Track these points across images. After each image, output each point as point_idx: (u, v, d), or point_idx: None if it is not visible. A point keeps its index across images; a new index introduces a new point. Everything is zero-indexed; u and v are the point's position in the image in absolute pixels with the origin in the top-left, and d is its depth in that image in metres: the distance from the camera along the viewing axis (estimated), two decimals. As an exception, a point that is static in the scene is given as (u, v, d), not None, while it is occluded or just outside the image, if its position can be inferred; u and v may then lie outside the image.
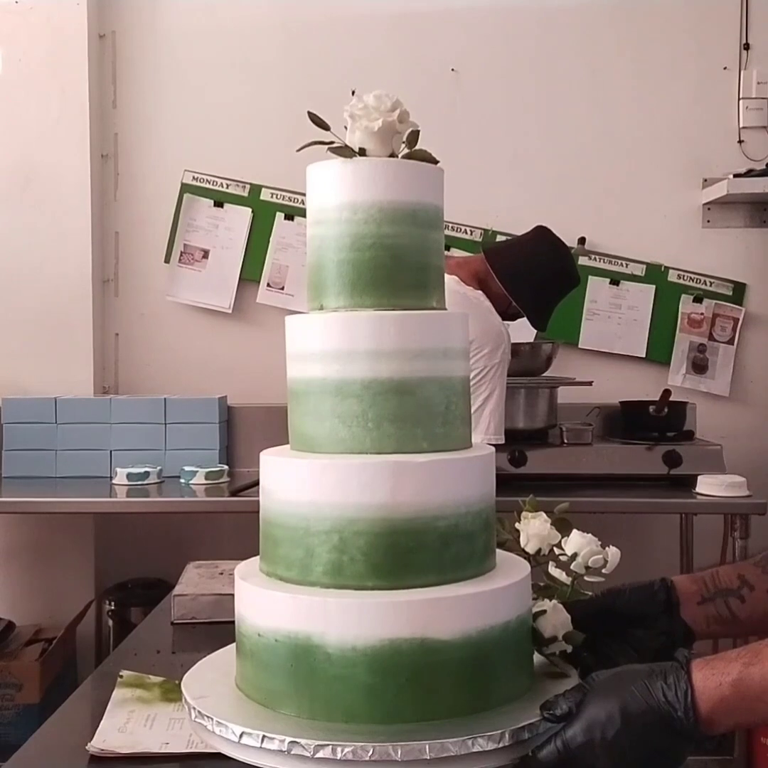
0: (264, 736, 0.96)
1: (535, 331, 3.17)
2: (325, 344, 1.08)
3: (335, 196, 1.11)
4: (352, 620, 0.99)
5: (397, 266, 1.11)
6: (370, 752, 0.93)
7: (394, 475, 1.03)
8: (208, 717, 1.01)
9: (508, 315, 2.67)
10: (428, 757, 0.93)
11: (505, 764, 0.96)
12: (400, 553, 1.02)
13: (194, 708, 1.04)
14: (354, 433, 1.06)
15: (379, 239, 1.09)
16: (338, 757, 0.93)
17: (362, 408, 1.06)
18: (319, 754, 0.94)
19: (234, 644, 1.15)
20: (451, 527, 1.04)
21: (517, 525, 1.19)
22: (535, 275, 2.65)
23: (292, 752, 0.94)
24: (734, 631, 1.21)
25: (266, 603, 1.05)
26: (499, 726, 0.97)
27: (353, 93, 1.12)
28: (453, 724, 0.98)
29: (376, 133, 1.08)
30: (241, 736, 0.97)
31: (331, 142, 1.10)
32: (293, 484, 1.06)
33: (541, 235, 2.75)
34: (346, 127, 1.11)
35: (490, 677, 1.03)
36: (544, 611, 1.12)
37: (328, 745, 0.94)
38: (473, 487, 1.08)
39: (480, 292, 2.58)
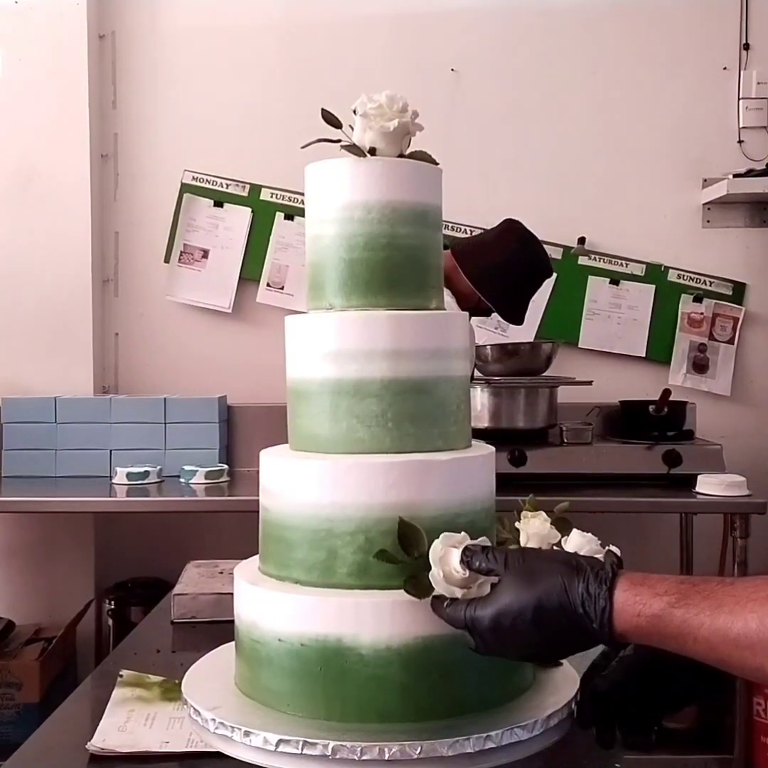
0: (305, 743, 0.94)
1: (535, 330, 3.17)
2: (342, 344, 1.07)
3: (346, 195, 1.10)
4: (386, 620, 0.99)
5: (408, 266, 1.11)
6: (419, 750, 0.93)
7: (420, 474, 1.03)
8: (233, 727, 0.98)
9: (479, 311, 2.65)
10: (472, 751, 0.94)
11: (538, 751, 0.99)
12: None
13: (213, 719, 1.01)
14: (374, 433, 1.06)
15: (392, 239, 1.09)
16: (386, 758, 0.92)
17: (382, 408, 1.06)
18: (366, 757, 0.93)
19: (232, 644, 1.15)
20: (469, 524, 1.04)
21: (517, 524, 1.19)
22: (505, 271, 2.60)
23: (338, 756, 0.93)
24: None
25: (289, 608, 1.03)
26: (527, 716, 0.99)
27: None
28: (483, 718, 0.99)
29: (390, 133, 1.08)
30: (278, 744, 0.95)
31: (338, 140, 1.10)
32: (313, 485, 1.05)
33: (510, 228, 2.70)
34: (351, 126, 1.11)
35: (510, 670, 1.06)
36: None
37: (374, 746, 0.93)
38: (486, 485, 1.10)
39: (445, 290, 2.51)
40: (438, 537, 0.99)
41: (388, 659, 0.98)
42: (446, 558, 0.95)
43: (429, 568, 0.95)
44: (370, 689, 0.99)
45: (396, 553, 1.00)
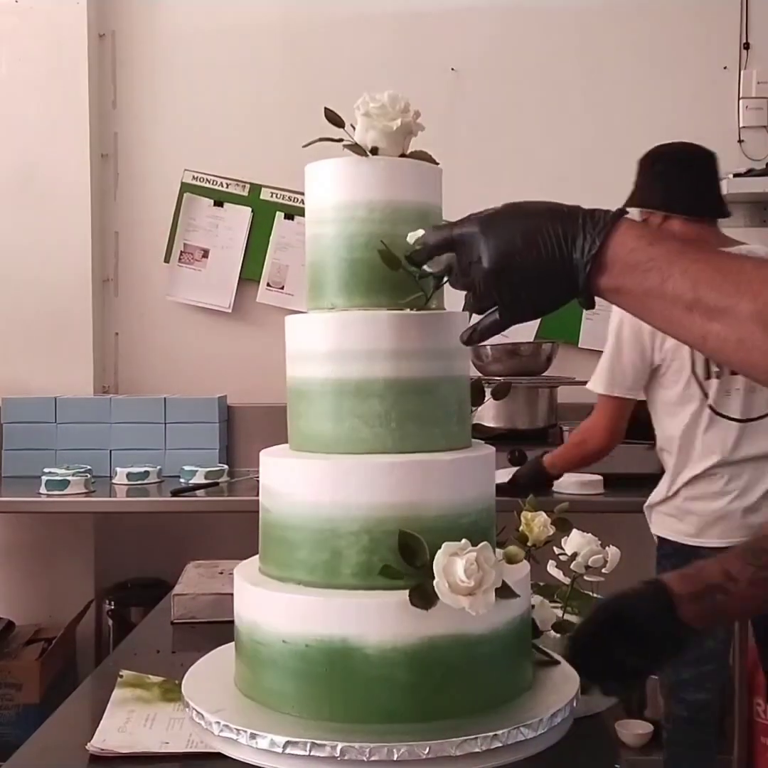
0: (313, 744, 0.94)
1: (535, 331, 3.16)
2: (345, 344, 1.07)
3: (347, 194, 1.10)
4: (392, 620, 0.98)
5: None
6: (427, 750, 0.92)
7: (424, 474, 1.03)
8: (239, 730, 0.98)
9: None
10: (479, 750, 0.94)
11: (543, 750, 0.99)
12: (429, 551, 1.02)
13: (218, 722, 1.00)
14: (376, 433, 1.06)
15: (394, 239, 1.09)
16: (394, 758, 0.92)
17: (384, 408, 1.05)
18: (374, 757, 0.92)
19: (232, 644, 1.15)
20: (472, 524, 1.04)
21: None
22: None
23: (346, 757, 0.93)
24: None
25: (293, 609, 1.02)
26: (530, 715, 0.99)
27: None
28: (487, 717, 0.99)
29: (392, 133, 1.08)
30: (285, 746, 0.94)
31: (340, 140, 1.10)
32: (315, 486, 1.05)
33: None
34: (353, 126, 1.10)
35: (514, 668, 1.05)
36: (533, 606, 1.15)
37: (383, 746, 0.92)
38: (489, 484, 1.10)
39: None
40: (441, 537, 0.99)
41: (394, 660, 0.98)
42: (449, 568, 0.95)
43: (433, 576, 0.95)
44: (376, 689, 0.99)
45: (399, 561, 0.99)
